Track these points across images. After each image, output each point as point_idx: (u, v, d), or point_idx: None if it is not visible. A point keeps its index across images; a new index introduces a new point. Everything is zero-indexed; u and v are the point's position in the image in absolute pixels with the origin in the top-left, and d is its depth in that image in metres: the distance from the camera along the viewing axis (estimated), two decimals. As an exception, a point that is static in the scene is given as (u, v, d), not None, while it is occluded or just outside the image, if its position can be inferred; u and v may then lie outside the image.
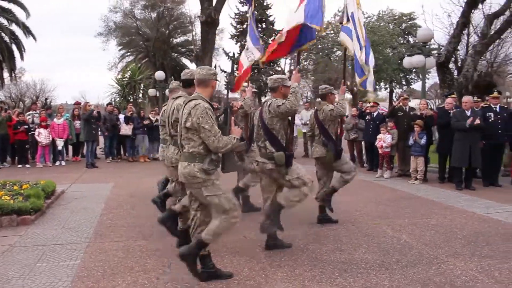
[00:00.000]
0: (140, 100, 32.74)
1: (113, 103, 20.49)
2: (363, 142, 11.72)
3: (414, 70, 35.65)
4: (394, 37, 30.73)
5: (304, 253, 4.77)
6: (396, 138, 9.78)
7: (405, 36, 34.68)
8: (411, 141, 9.20)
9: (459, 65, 16.75)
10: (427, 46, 11.87)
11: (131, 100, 29.32)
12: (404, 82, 36.49)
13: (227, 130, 3.84)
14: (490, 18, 15.09)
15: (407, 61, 12.07)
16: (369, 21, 27.71)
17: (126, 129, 13.25)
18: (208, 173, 3.66)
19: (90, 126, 12.58)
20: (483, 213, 6.51)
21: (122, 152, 14.24)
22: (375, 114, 10.89)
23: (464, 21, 13.86)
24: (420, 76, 35.41)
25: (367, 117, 11.05)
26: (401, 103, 9.97)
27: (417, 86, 37.54)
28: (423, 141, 9.02)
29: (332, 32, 27.76)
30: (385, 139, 9.86)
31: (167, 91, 9.35)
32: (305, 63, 27.38)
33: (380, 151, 10.02)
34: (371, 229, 5.68)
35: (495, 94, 8.51)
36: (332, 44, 27.23)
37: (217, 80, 3.93)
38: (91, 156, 12.67)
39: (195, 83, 3.86)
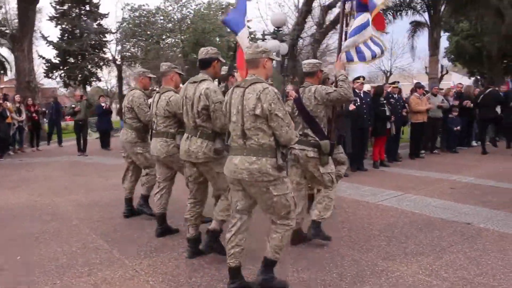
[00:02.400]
0: None
1: None
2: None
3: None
4: (222, 26, 30.73)
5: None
6: None
7: (232, 25, 35.19)
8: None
9: (299, 53, 17.23)
10: (280, 31, 11.55)
11: None
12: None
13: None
14: (325, 9, 15.74)
15: (272, 45, 11.55)
16: (199, 8, 26.89)
17: None
18: (281, 169, 3.17)
19: None
20: (375, 201, 6.31)
21: None
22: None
23: (308, 9, 14.08)
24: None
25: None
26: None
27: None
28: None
29: (162, 18, 26.15)
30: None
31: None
32: (133, 50, 25.14)
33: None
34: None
35: (361, 80, 8.51)
36: (162, 31, 25.65)
37: (270, 58, 3.37)
38: None
39: (246, 65, 3.39)
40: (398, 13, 19.77)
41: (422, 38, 27.39)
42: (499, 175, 8.05)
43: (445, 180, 7.70)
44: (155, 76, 5.89)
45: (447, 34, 30.71)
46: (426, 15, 18.92)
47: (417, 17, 20.13)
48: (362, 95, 8.56)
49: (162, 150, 4.56)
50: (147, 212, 5.43)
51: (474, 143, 12.64)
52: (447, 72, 33.48)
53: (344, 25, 4.96)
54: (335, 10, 15.45)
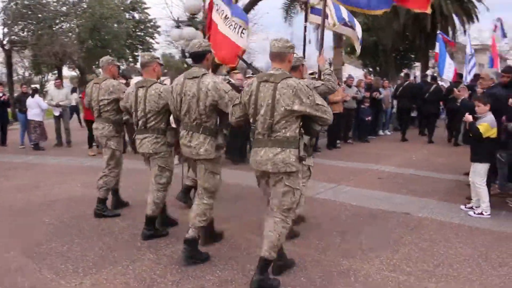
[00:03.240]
0: None
1: None
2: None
3: (141, 47, 35.07)
4: (121, 12, 28.98)
5: None
6: None
7: (131, 11, 33.36)
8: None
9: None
10: (196, 18, 11.00)
11: None
12: (131, 59, 35.44)
13: None
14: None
15: (176, 33, 10.93)
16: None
17: None
18: (302, 160, 3.26)
19: None
20: (312, 194, 6.17)
21: None
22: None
23: None
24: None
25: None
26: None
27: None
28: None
29: (55, 1, 23.79)
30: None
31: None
32: (23, 34, 22.48)
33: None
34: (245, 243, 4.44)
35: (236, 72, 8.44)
36: (55, 14, 23.33)
37: (294, 53, 3.52)
38: None
39: (270, 56, 3.35)
40: (304, 5, 20.18)
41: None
42: (415, 164, 8.54)
43: (370, 170, 7.95)
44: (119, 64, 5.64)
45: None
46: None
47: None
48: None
49: (150, 146, 4.30)
50: (110, 215, 5.18)
51: (381, 132, 13.37)
52: (343, 64, 35.53)
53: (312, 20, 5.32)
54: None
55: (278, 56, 3.31)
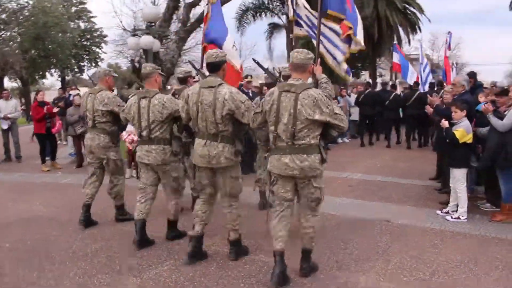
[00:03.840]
0: None
1: None
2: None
3: (87, 57, 33.81)
4: (66, 21, 27.84)
5: None
6: None
7: (76, 20, 32.16)
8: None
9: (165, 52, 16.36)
10: (153, 26, 10.64)
11: None
12: (77, 69, 34.14)
13: None
14: (188, 7, 15.22)
15: (133, 42, 10.49)
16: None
17: None
18: (324, 162, 3.55)
19: None
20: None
21: None
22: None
23: (175, 5, 13.38)
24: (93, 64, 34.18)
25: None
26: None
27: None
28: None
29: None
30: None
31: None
32: None
33: (130, 147, 8.25)
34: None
35: (249, 78, 8.29)
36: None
37: (313, 64, 3.71)
38: None
39: (291, 67, 3.57)
40: (258, 14, 20.31)
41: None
42: (381, 170, 8.63)
43: (339, 178, 7.92)
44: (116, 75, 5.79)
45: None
46: (284, 17, 19.82)
47: (275, 19, 20.99)
48: (250, 94, 8.33)
49: (158, 157, 4.33)
50: (131, 217, 4.92)
51: (339, 139, 13.54)
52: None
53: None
54: (199, 8, 15.07)
55: (300, 67, 3.52)
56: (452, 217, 5.32)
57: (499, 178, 5.22)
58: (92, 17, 32.43)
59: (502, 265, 3.99)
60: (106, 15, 28.78)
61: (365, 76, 35.41)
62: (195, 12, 15.49)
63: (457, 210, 5.38)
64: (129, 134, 8.21)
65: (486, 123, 5.43)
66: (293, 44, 18.39)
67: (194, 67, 4.72)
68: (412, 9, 27.85)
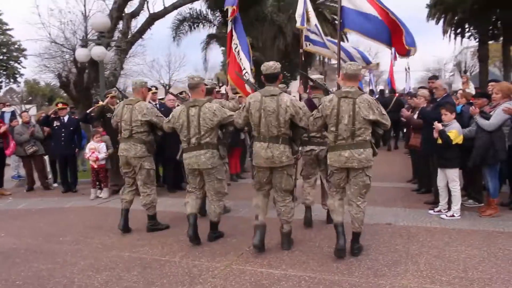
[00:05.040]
0: None
1: None
2: (46, 157, 8.75)
3: (4, 72, 31.14)
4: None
5: None
6: (111, 146, 7.69)
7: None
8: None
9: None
10: (104, 36, 10.00)
11: None
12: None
13: None
14: (128, 17, 14.64)
15: (82, 53, 9.77)
16: None
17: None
18: (376, 155, 4.25)
19: None
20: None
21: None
22: (66, 119, 8.25)
23: (119, 15, 12.78)
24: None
25: (56, 123, 8.23)
26: (109, 102, 7.92)
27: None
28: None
29: None
30: (99, 149, 7.59)
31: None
32: None
33: (94, 165, 7.63)
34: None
35: (153, 90, 8.07)
36: None
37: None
38: None
39: (346, 76, 4.24)
40: (195, 25, 20.02)
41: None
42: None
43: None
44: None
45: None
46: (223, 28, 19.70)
47: (213, 31, 20.82)
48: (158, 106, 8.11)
49: (207, 162, 4.68)
50: (163, 227, 5.50)
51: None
52: (223, 85, 36.08)
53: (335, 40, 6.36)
54: (140, 19, 14.58)
55: (354, 76, 4.24)
56: (446, 216, 5.53)
57: (486, 175, 5.52)
58: (8, 29, 29.98)
59: (519, 256, 4.20)
60: (27, 27, 26.77)
61: (296, 84, 36.39)
62: (136, 22, 14.91)
63: (448, 209, 5.60)
64: (92, 151, 7.61)
65: (464, 125, 5.73)
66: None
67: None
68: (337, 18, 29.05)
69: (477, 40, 22.80)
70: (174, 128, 4.85)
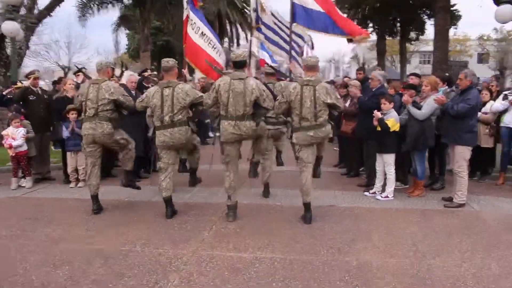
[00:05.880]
0: None
1: None
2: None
3: None
4: None
5: None
6: (31, 130, 7.05)
7: None
8: (66, 133, 6.93)
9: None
10: (16, 11, 9.03)
11: None
12: None
13: None
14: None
15: (6, 28, 8.63)
16: None
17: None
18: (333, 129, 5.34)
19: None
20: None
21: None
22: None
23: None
24: None
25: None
26: (31, 83, 7.26)
27: None
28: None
29: None
30: (15, 135, 6.90)
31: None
32: None
33: (10, 153, 6.94)
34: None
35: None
36: None
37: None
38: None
39: (305, 68, 5.12)
40: (104, 5, 18.89)
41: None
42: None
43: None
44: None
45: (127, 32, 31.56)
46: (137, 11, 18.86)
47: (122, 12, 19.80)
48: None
49: (182, 138, 5.12)
50: (136, 186, 5.96)
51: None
52: (127, 68, 34.57)
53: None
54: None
55: (313, 67, 5.02)
56: (382, 197, 6.04)
57: (416, 160, 6.12)
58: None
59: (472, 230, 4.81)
60: None
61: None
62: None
63: (383, 190, 6.12)
64: (6, 138, 6.90)
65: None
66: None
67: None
68: (249, 8, 29.53)
69: (378, 35, 24.64)
70: (144, 106, 5.22)
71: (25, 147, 6.98)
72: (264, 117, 5.30)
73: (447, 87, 6.82)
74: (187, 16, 7.37)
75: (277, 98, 5.11)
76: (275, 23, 7.27)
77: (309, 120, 4.85)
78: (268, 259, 3.99)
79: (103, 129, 5.29)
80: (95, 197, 5.54)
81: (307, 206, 5.06)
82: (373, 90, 6.47)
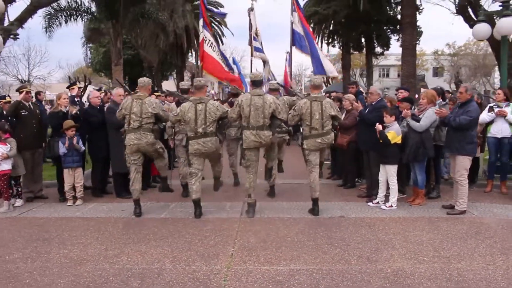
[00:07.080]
0: None
1: None
2: None
3: None
4: None
5: None
6: (15, 149, 6.66)
7: None
8: (62, 150, 6.73)
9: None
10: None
11: None
12: None
13: None
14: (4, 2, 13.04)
15: None
16: None
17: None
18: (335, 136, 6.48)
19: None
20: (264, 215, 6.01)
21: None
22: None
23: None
24: None
25: None
26: (23, 98, 7.02)
27: None
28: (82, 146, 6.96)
29: None
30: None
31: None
32: None
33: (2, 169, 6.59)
34: None
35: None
36: None
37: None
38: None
39: (312, 88, 6.28)
40: (72, 18, 18.40)
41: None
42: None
43: (261, 184, 7.49)
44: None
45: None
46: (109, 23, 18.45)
47: (93, 25, 19.39)
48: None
49: (213, 146, 5.87)
50: (171, 189, 6.96)
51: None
52: (90, 83, 33.64)
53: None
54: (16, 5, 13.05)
55: (319, 86, 6.23)
56: (386, 206, 6.25)
57: (416, 169, 6.38)
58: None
59: (483, 235, 5.06)
60: None
61: (168, 83, 36.23)
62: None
63: (386, 200, 6.34)
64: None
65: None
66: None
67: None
68: (216, 22, 29.92)
69: (343, 50, 25.42)
70: (178, 119, 5.97)
71: (6, 167, 6.60)
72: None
73: (441, 100, 7.19)
74: (203, 39, 9.52)
75: (289, 111, 6.13)
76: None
77: (317, 129, 5.84)
78: (305, 271, 4.06)
79: (147, 139, 5.97)
80: (137, 201, 6.15)
81: (315, 201, 6.02)
82: (372, 104, 6.71)
